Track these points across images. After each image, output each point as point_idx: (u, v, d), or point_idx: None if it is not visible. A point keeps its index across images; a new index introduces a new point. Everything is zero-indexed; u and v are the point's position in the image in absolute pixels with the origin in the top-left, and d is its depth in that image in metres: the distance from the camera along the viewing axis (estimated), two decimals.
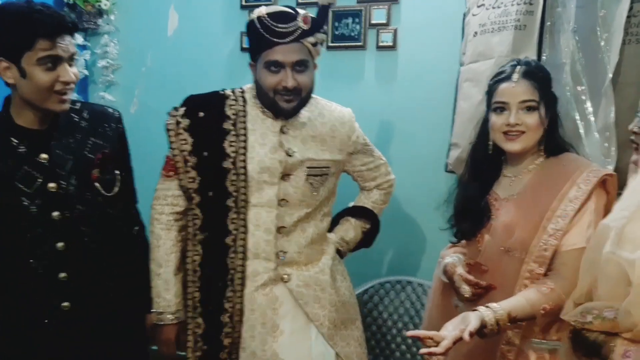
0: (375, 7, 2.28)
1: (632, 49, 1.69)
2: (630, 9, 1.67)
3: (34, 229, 1.40)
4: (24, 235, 1.39)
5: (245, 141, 1.56)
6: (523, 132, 1.40)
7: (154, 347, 1.66)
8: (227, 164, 1.54)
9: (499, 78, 1.44)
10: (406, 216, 2.34)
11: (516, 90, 1.39)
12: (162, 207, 1.60)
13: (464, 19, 2.05)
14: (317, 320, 1.59)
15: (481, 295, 1.40)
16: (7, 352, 1.43)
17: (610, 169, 1.61)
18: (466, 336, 1.15)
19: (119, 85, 2.71)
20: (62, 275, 1.43)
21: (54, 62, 1.34)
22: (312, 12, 1.54)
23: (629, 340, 1.01)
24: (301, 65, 1.50)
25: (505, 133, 1.41)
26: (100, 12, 2.59)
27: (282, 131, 1.58)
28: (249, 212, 1.56)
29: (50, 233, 1.41)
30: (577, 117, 1.73)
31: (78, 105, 1.54)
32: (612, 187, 1.37)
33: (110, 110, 1.61)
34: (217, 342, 1.57)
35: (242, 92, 1.62)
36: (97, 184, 1.49)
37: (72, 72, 1.38)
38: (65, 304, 1.44)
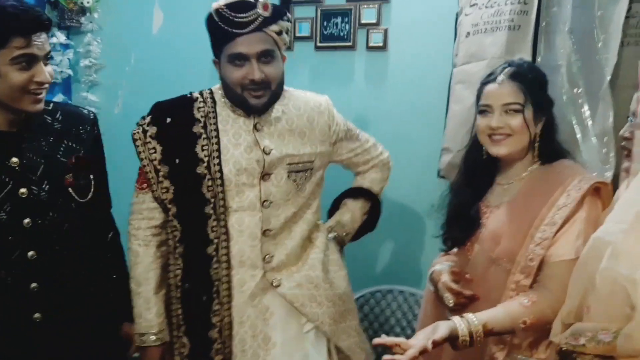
0: (365, 6, 2.21)
1: (631, 50, 1.64)
2: (629, 9, 1.63)
3: (3, 237, 1.32)
4: None
5: (218, 143, 1.48)
6: (509, 135, 1.34)
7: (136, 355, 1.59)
8: (201, 169, 1.47)
9: (486, 80, 1.40)
10: (397, 223, 2.27)
11: (500, 92, 1.35)
12: (139, 222, 1.53)
13: (456, 19, 1.99)
14: (317, 320, 1.52)
15: (465, 305, 1.35)
16: None
17: (608, 176, 1.56)
18: (429, 345, 1.10)
19: (103, 85, 2.64)
20: (33, 285, 1.36)
21: (28, 61, 1.27)
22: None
23: None
24: (267, 56, 1.42)
25: (490, 136, 1.36)
26: (83, 10, 2.52)
27: (255, 128, 1.50)
28: (230, 218, 1.48)
29: (20, 241, 1.34)
30: (574, 122, 1.68)
31: (51, 106, 1.46)
32: (606, 196, 1.30)
33: (85, 111, 1.54)
34: None
35: (211, 92, 1.54)
36: (70, 190, 1.42)
37: (47, 71, 1.31)
38: (37, 315, 1.37)
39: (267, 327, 1.49)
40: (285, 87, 1.54)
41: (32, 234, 1.35)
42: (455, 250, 1.51)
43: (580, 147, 1.64)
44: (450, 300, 1.36)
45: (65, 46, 2.55)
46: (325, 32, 2.26)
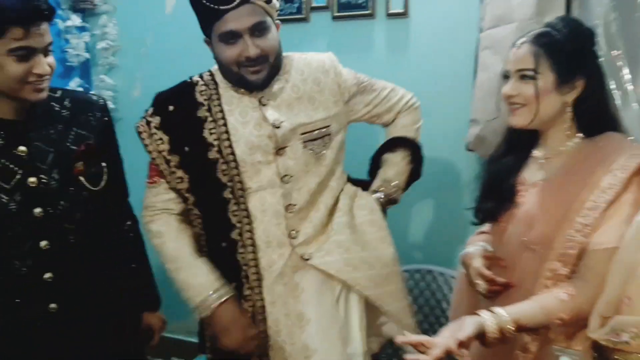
0: None
1: None
2: None
3: (14, 227, 1.30)
4: (4, 234, 1.30)
5: (225, 125, 1.42)
6: (523, 105, 1.21)
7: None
8: (212, 154, 1.41)
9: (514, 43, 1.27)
10: (423, 200, 2.19)
11: (515, 56, 1.23)
12: (152, 216, 1.49)
13: None
14: (357, 284, 1.46)
15: (498, 292, 1.25)
16: None
17: None
18: (453, 345, 1.02)
19: (121, 67, 2.60)
20: (47, 275, 1.35)
21: (27, 53, 1.23)
22: None
23: None
24: (260, 29, 1.34)
25: (509, 105, 1.24)
26: None
27: (261, 103, 1.43)
28: (250, 199, 1.43)
29: (32, 231, 1.32)
30: (613, 86, 1.54)
31: (59, 93, 1.43)
32: None
33: (95, 97, 1.51)
34: None
35: (211, 74, 1.48)
36: (81, 178, 1.39)
37: (47, 63, 1.27)
38: (53, 305, 1.36)
39: (299, 304, 1.45)
40: (283, 54, 1.45)
41: (43, 224, 1.33)
42: (489, 227, 1.40)
43: (621, 114, 1.50)
44: (482, 287, 1.27)
45: (81, 29, 2.52)
46: (341, 1, 2.14)
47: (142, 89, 2.59)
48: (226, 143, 1.41)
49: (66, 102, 1.42)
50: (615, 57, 1.52)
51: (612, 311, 0.94)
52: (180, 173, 1.44)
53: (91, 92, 1.62)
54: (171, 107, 1.44)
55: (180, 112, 1.44)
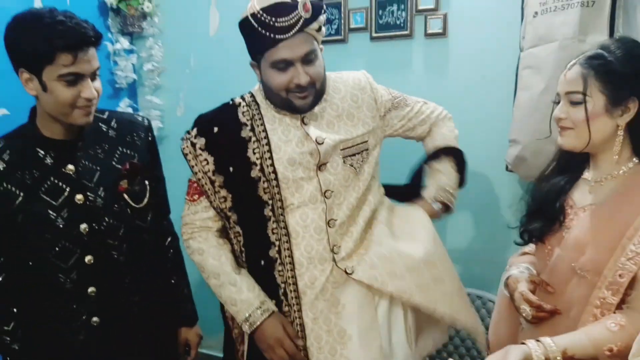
0: None
1: None
2: None
3: (61, 242, 1.36)
4: (51, 249, 1.35)
5: (268, 144, 1.45)
6: (571, 128, 1.18)
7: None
8: (255, 172, 1.44)
9: None
10: (463, 221, 2.15)
11: (565, 78, 1.20)
12: (191, 234, 1.53)
13: None
14: (405, 292, 1.43)
15: (543, 319, 1.21)
16: None
17: None
18: None
19: (165, 87, 2.69)
20: (91, 289, 1.39)
21: (75, 78, 1.28)
22: None
23: None
24: (311, 57, 1.37)
25: (559, 127, 1.22)
26: (144, 15, 2.58)
27: (303, 122, 1.46)
28: (290, 216, 1.44)
29: (78, 246, 1.37)
30: None
31: (106, 115, 1.49)
32: None
33: (140, 118, 1.56)
34: None
35: (252, 96, 1.51)
36: (125, 195, 1.44)
37: (94, 87, 1.32)
38: (95, 319, 1.40)
39: (340, 320, 1.44)
40: None
41: (89, 240, 1.38)
42: (532, 248, 1.37)
43: None
44: (527, 313, 1.23)
45: (129, 51, 2.63)
46: (380, 22, 2.16)
47: (185, 108, 2.68)
48: (268, 162, 1.43)
49: (113, 123, 1.48)
50: None
51: None
52: (224, 192, 1.47)
53: (136, 113, 1.66)
54: (216, 129, 1.47)
55: (224, 133, 1.47)
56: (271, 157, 1.44)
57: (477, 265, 2.16)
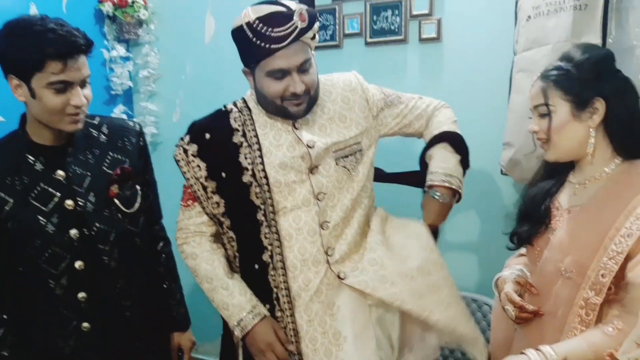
0: None
1: None
2: None
3: (51, 248, 1.36)
4: (41, 254, 1.35)
5: (259, 149, 1.44)
6: (547, 140, 1.21)
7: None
8: (246, 177, 1.44)
9: None
10: (458, 225, 2.14)
11: (530, 94, 1.25)
12: (185, 239, 1.53)
13: (516, 2, 1.83)
14: (396, 299, 1.39)
15: (528, 320, 1.22)
16: None
17: None
18: None
19: (161, 94, 2.70)
20: (81, 295, 1.39)
21: (65, 86, 1.28)
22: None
23: None
24: (306, 66, 1.37)
25: (537, 139, 1.25)
26: (140, 22, 2.59)
27: (294, 127, 1.45)
28: (283, 220, 1.44)
29: (68, 252, 1.37)
30: None
31: (97, 120, 1.49)
32: None
33: (131, 123, 1.56)
34: None
35: (244, 101, 1.51)
36: (116, 201, 1.44)
37: (83, 95, 1.32)
38: (86, 324, 1.40)
39: (335, 321, 1.43)
40: None
41: (79, 245, 1.38)
42: (524, 251, 1.37)
43: None
44: (511, 313, 1.24)
45: (126, 58, 2.63)
46: (375, 27, 2.16)
47: (181, 115, 2.68)
48: (260, 167, 1.43)
49: (104, 128, 1.48)
50: None
51: None
52: (216, 198, 1.47)
53: (128, 119, 1.66)
54: (208, 135, 1.47)
55: (216, 140, 1.47)
56: (262, 162, 1.43)
57: (473, 268, 2.15)
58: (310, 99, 1.42)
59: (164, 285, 1.61)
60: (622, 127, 1.18)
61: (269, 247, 1.44)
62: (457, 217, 2.14)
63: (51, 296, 1.36)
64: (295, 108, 1.40)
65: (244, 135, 1.45)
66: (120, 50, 2.58)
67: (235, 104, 1.51)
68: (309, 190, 1.44)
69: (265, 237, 1.44)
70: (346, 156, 1.47)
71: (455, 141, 1.56)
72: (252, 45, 1.33)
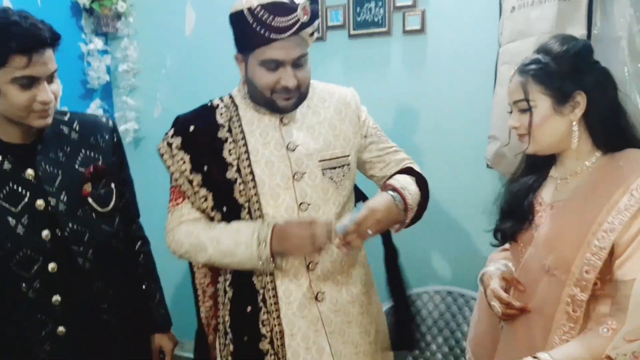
0: None
1: None
2: None
3: (22, 250, 1.30)
4: (12, 257, 1.29)
5: (245, 145, 1.39)
6: (527, 135, 1.18)
7: None
8: (231, 173, 1.39)
9: None
10: (444, 220, 2.12)
11: (509, 89, 1.22)
12: (179, 235, 1.43)
13: None
14: (338, 358, 1.41)
15: (514, 316, 1.20)
16: None
17: None
18: None
19: (142, 89, 2.64)
20: (55, 298, 1.33)
21: (30, 81, 1.22)
22: None
23: None
24: (302, 62, 1.33)
25: (517, 135, 1.22)
26: (118, 15, 2.53)
27: (282, 123, 1.41)
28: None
29: (40, 254, 1.31)
30: (639, 100, 1.47)
31: (67, 117, 1.43)
32: None
33: (104, 119, 1.50)
34: None
35: (231, 97, 1.47)
36: (89, 200, 1.39)
37: (51, 90, 1.26)
38: (61, 329, 1.34)
39: (319, 337, 1.40)
40: None
41: (51, 247, 1.32)
42: (508, 246, 1.35)
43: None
44: (497, 309, 1.22)
45: (104, 52, 2.57)
46: (358, 19, 2.13)
47: (162, 109, 2.63)
48: (245, 163, 1.39)
49: (75, 125, 1.42)
50: None
51: (637, 335, 0.90)
52: (203, 192, 1.42)
53: (101, 115, 1.60)
54: (192, 128, 1.43)
55: (200, 133, 1.42)
56: (249, 159, 1.39)
57: (459, 263, 2.14)
58: (300, 95, 1.37)
59: (143, 286, 1.56)
60: (602, 120, 1.16)
61: None
62: (442, 211, 2.12)
63: (24, 300, 1.31)
64: (284, 102, 1.35)
65: (230, 131, 1.41)
66: (98, 43, 2.52)
67: (221, 99, 1.47)
68: (292, 197, 1.39)
69: None
70: (333, 167, 1.42)
71: (421, 182, 1.48)
72: (250, 31, 1.29)
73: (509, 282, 1.27)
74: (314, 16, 1.32)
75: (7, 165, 1.30)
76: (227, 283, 1.45)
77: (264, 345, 1.40)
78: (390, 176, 1.49)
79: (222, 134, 1.41)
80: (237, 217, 1.40)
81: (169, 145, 1.43)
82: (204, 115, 1.45)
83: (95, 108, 2.52)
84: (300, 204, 1.39)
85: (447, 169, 2.11)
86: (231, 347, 1.44)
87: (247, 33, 1.30)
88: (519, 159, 1.41)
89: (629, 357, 0.89)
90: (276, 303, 1.40)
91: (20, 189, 1.30)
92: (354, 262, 1.48)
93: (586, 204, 1.13)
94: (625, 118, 1.18)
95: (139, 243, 1.58)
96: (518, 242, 1.28)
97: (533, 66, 1.17)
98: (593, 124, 1.16)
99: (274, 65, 1.31)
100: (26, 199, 1.31)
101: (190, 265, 1.54)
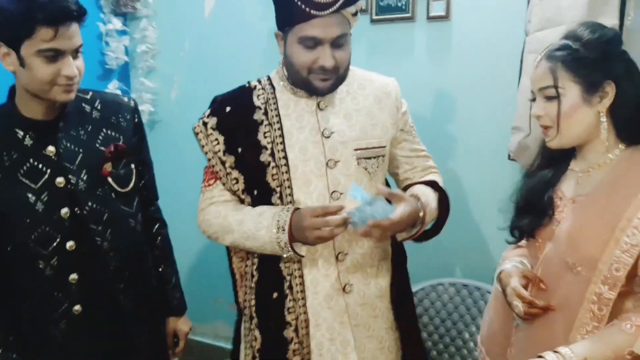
0: None
1: None
2: None
3: (40, 227, 1.30)
4: (30, 234, 1.29)
5: (280, 129, 1.37)
6: (552, 127, 1.13)
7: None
8: (264, 157, 1.36)
9: None
10: (464, 212, 2.09)
11: (535, 75, 1.17)
12: (209, 215, 1.43)
13: None
14: (362, 352, 1.40)
15: (536, 315, 1.16)
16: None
17: None
18: None
19: (159, 70, 2.62)
20: (72, 277, 1.33)
21: (56, 54, 1.21)
22: None
23: None
24: (341, 41, 1.29)
25: (540, 125, 1.17)
26: None
27: (319, 108, 1.38)
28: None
29: (58, 232, 1.31)
30: None
31: (89, 95, 1.42)
32: None
33: (125, 99, 1.50)
34: None
35: (269, 79, 1.44)
36: (109, 179, 1.38)
37: (76, 65, 1.25)
38: (77, 307, 1.35)
39: (345, 329, 1.39)
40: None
41: (70, 225, 1.32)
42: (524, 242, 1.31)
43: None
44: (519, 309, 1.18)
45: (122, 32, 2.54)
46: (381, 4, 2.08)
47: (179, 92, 2.60)
48: (280, 147, 1.36)
49: (97, 104, 1.42)
50: None
51: None
52: (235, 174, 1.40)
53: (122, 95, 1.59)
54: (228, 108, 1.41)
55: (236, 114, 1.40)
56: (283, 142, 1.37)
57: (477, 256, 2.11)
58: (338, 77, 1.33)
59: (159, 269, 1.55)
60: (629, 112, 1.12)
61: None
62: (461, 204, 2.09)
63: (41, 278, 1.31)
64: (320, 83, 1.32)
65: (266, 113, 1.39)
66: (116, 23, 2.49)
67: (259, 81, 1.44)
68: (325, 185, 1.36)
69: None
70: (369, 158, 1.39)
71: (443, 200, 1.46)
72: (291, 5, 1.25)
73: (530, 280, 1.22)
74: None
75: (28, 141, 1.30)
76: (255, 267, 1.44)
77: (289, 333, 1.39)
78: (415, 183, 1.47)
79: (258, 116, 1.39)
80: (268, 201, 1.38)
81: (205, 124, 1.41)
82: (241, 97, 1.43)
83: (113, 89, 2.50)
84: (332, 192, 1.36)
85: (467, 161, 2.07)
86: (256, 333, 1.43)
87: (287, 8, 1.28)
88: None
89: None
90: (302, 291, 1.38)
91: (40, 166, 1.30)
92: (384, 255, 1.46)
93: (611, 198, 1.09)
94: None
95: (156, 225, 1.58)
96: (536, 237, 1.24)
97: (563, 52, 1.12)
98: (619, 115, 1.12)
99: (312, 43, 1.28)
100: (46, 176, 1.30)
101: (228, 249, 1.52)
